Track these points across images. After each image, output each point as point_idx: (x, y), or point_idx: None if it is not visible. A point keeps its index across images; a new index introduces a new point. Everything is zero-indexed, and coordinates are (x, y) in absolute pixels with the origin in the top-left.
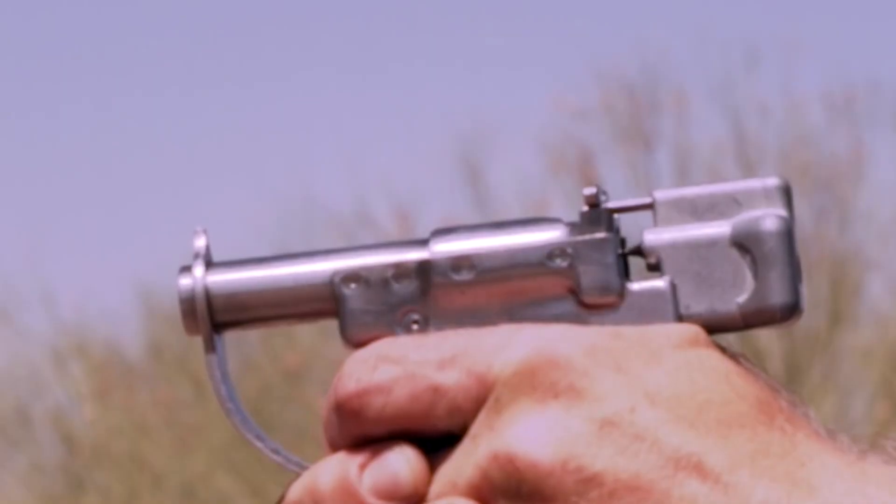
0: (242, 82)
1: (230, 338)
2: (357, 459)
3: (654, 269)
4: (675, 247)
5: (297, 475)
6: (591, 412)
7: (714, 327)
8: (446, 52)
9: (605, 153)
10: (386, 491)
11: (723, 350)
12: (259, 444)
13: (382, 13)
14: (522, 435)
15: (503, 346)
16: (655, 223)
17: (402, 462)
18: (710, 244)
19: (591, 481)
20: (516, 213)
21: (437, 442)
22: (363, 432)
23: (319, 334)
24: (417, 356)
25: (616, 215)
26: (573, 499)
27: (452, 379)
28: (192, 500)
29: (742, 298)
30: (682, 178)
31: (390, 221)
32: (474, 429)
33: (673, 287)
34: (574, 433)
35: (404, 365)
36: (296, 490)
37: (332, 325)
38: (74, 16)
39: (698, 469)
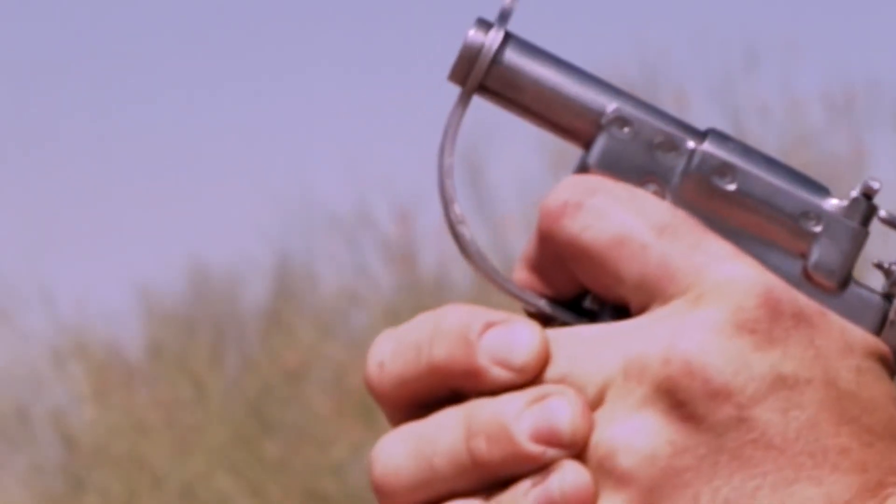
0: (242, 82)
1: (230, 335)
2: (487, 317)
3: (889, 296)
4: None
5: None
6: (774, 362)
7: None
8: (446, 51)
9: None
10: (500, 355)
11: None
12: (455, 210)
13: (382, 12)
14: (708, 347)
15: (728, 258)
16: None
17: (527, 335)
18: None
19: (743, 422)
20: (517, 213)
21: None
22: (551, 247)
23: (319, 334)
24: (644, 207)
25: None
26: (717, 429)
27: (664, 248)
28: (191, 500)
29: None
30: None
31: (390, 221)
32: (664, 311)
33: (885, 308)
34: (752, 372)
35: (627, 206)
36: (427, 317)
37: (332, 324)
38: (73, 15)
39: (836, 461)
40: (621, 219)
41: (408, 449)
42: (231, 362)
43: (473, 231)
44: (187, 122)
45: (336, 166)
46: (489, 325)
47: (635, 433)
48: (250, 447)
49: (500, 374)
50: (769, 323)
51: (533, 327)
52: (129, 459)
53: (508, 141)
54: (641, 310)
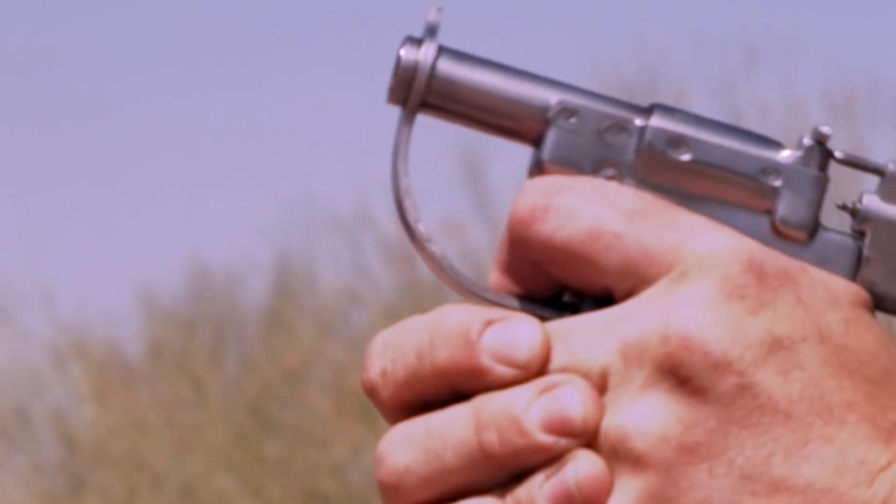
0: (242, 83)
1: (230, 335)
2: (486, 316)
3: (859, 234)
4: (887, 226)
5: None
6: (768, 326)
7: (889, 309)
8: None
9: None
10: (503, 353)
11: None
12: (420, 229)
13: (382, 12)
14: (700, 320)
15: (703, 230)
16: (880, 193)
17: (527, 331)
18: None
19: (746, 389)
20: None
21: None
22: (527, 253)
23: (319, 334)
24: (610, 198)
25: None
26: (723, 400)
27: (638, 233)
28: (191, 500)
29: None
30: None
31: (390, 221)
32: (651, 293)
33: (859, 248)
34: (748, 340)
35: (593, 199)
36: (425, 320)
37: (332, 324)
38: (74, 17)
39: (843, 415)
40: (591, 213)
41: (416, 445)
42: (231, 362)
43: (447, 244)
44: (188, 123)
45: (336, 166)
46: (489, 324)
47: (645, 415)
48: (250, 447)
49: (504, 371)
50: (757, 287)
51: (532, 323)
52: (129, 459)
53: (508, 141)
54: (627, 296)
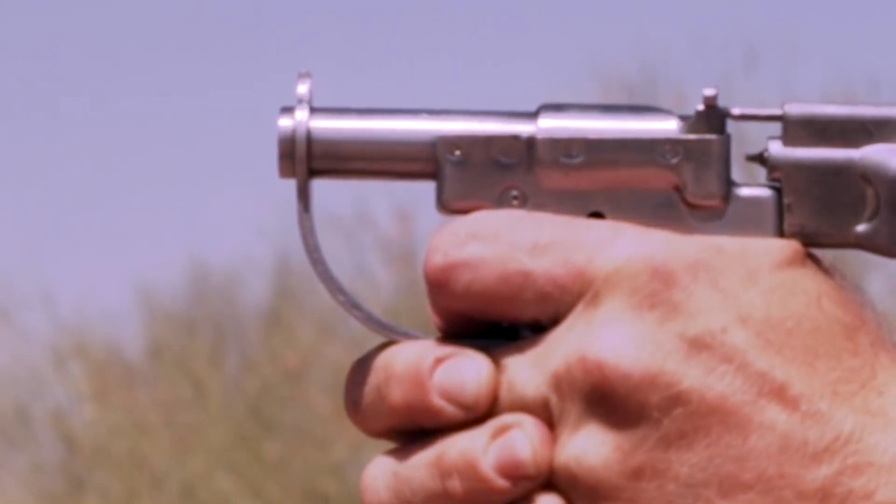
0: (242, 83)
1: (230, 335)
2: (435, 353)
3: (775, 182)
4: (799, 168)
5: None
6: (684, 329)
7: (825, 244)
8: (444, 50)
9: None
10: (452, 393)
11: (820, 267)
12: (341, 298)
13: (380, 12)
14: (614, 344)
15: (606, 244)
16: (783, 139)
17: (474, 370)
18: (837, 171)
19: (677, 399)
20: None
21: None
22: (450, 305)
23: (319, 334)
24: (510, 237)
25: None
26: (656, 415)
27: (544, 266)
28: (191, 500)
29: (861, 229)
30: None
31: (390, 221)
32: (570, 320)
33: (778, 197)
34: (665, 349)
35: (495, 245)
36: (381, 358)
37: (332, 324)
38: (74, 15)
39: (780, 396)
40: (495, 259)
41: (387, 487)
42: (231, 362)
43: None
44: (188, 122)
45: None
46: (439, 361)
47: (584, 450)
48: (250, 447)
49: (454, 412)
50: (666, 291)
51: (479, 360)
52: (129, 459)
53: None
54: (554, 322)
